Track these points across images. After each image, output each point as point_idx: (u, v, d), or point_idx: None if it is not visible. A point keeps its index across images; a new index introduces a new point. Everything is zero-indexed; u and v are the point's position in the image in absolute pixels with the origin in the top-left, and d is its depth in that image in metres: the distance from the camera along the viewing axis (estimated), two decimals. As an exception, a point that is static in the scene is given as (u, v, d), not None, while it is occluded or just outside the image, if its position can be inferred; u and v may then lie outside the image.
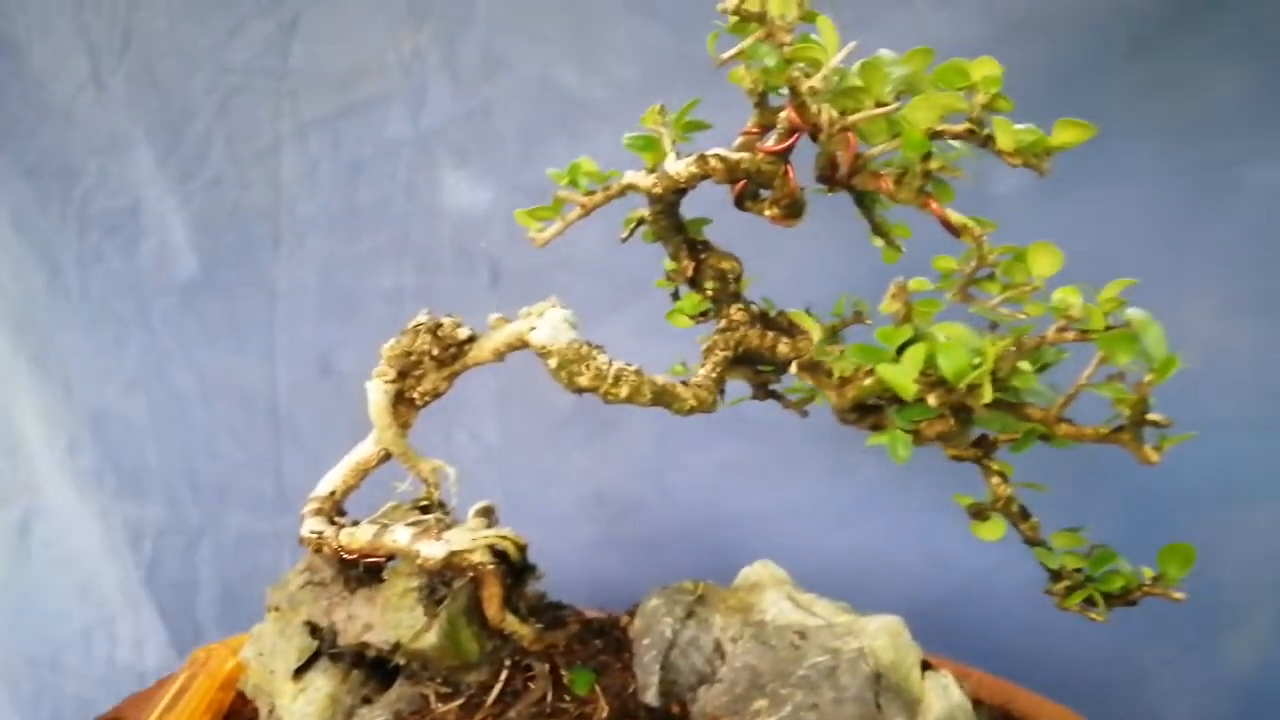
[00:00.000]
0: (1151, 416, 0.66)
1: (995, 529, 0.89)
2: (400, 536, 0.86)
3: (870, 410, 0.78)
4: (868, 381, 0.72)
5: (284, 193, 1.58)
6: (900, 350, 0.66)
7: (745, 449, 1.63)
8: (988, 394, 0.64)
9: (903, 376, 0.64)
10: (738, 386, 1.08)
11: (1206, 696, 1.40)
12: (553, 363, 0.80)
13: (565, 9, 1.47)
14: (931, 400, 0.66)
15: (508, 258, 1.54)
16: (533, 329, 0.82)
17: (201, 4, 1.53)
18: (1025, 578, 1.52)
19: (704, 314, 1.03)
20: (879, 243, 0.93)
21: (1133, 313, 0.68)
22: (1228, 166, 1.31)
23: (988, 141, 0.70)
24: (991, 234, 0.79)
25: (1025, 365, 0.66)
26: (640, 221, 1.00)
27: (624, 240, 1.03)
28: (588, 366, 0.79)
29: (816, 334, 0.80)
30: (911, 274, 0.94)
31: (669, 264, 1.03)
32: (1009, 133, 0.68)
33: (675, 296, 1.06)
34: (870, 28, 1.38)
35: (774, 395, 1.12)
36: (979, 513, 0.90)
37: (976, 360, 0.63)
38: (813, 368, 0.79)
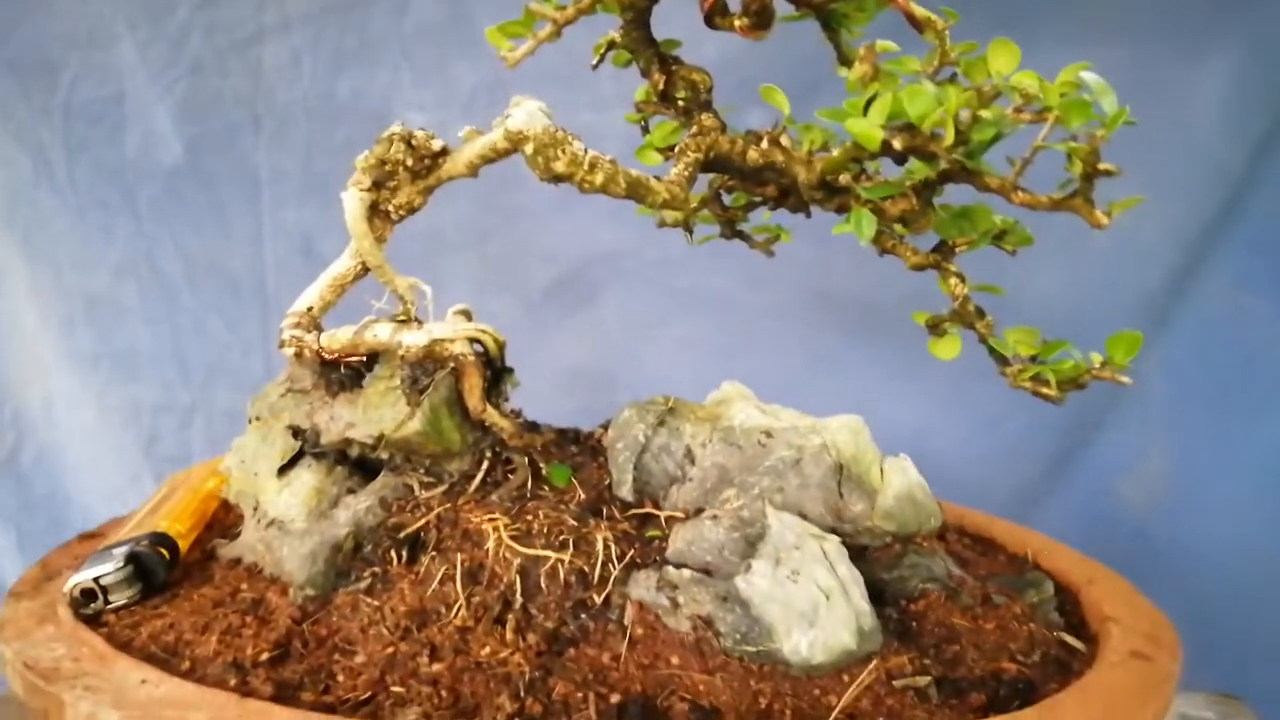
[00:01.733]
0: (1102, 166, 0.69)
1: (952, 346, 0.94)
2: (381, 332, 0.88)
3: (836, 191, 0.81)
4: (835, 153, 0.75)
5: (264, 81, 1.63)
6: (868, 104, 0.69)
7: (707, 326, 1.71)
8: (950, 135, 0.67)
9: (868, 127, 0.67)
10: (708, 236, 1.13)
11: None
12: (528, 149, 0.81)
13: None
14: (897, 144, 0.69)
15: None
16: (509, 116, 0.83)
17: None
18: (957, 439, 1.62)
19: (673, 148, 1.05)
20: (844, 72, 0.96)
21: (1089, 77, 0.71)
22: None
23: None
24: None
25: (985, 114, 0.69)
26: (611, 44, 1.01)
27: (594, 67, 1.04)
28: (563, 151, 0.81)
29: (785, 106, 0.82)
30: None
31: (640, 93, 1.05)
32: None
33: (645, 130, 1.08)
34: None
35: (741, 235, 1.15)
36: (935, 326, 0.94)
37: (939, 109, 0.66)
38: (781, 145, 0.82)
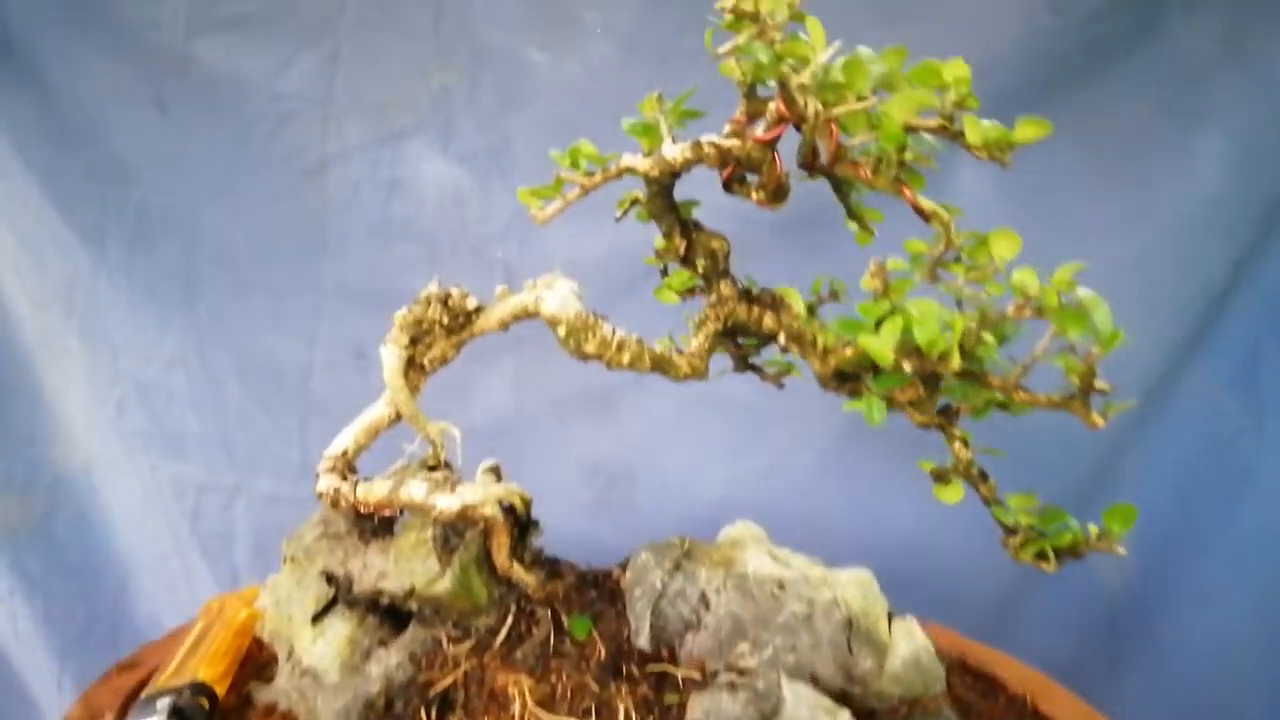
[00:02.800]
0: (1098, 384, 0.74)
1: (955, 492, 0.98)
2: (416, 491, 0.93)
3: (849, 378, 0.86)
4: (849, 352, 0.80)
5: (330, 206, 1.78)
6: (879, 322, 0.74)
7: (720, 426, 1.78)
8: (956, 361, 0.72)
9: (881, 346, 0.72)
10: (720, 361, 1.18)
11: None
12: (561, 330, 0.86)
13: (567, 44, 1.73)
14: (906, 366, 0.74)
15: (520, 267, 1.77)
16: (540, 299, 0.89)
17: (255, 36, 1.71)
18: (954, 534, 1.68)
19: (690, 290, 1.10)
20: (853, 226, 1.01)
21: (1084, 293, 0.76)
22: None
23: (958, 136, 0.78)
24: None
25: (988, 337, 0.74)
26: (634, 202, 1.07)
27: (618, 220, 1.10)
28: (593, 334, 0.86)
29: (800, 307, 0.87)
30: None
31: (659, 242, 1.11)
32: (977, 128, 0.76)
33: (664, 273, 1.14)
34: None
35: (754, 368, 1.20)
36: (941, 476, 0.98)
37: (947, 332, 0.71)
38: (799, 339, 0.87)
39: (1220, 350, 1.62)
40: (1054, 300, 0.80)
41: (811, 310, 1.12)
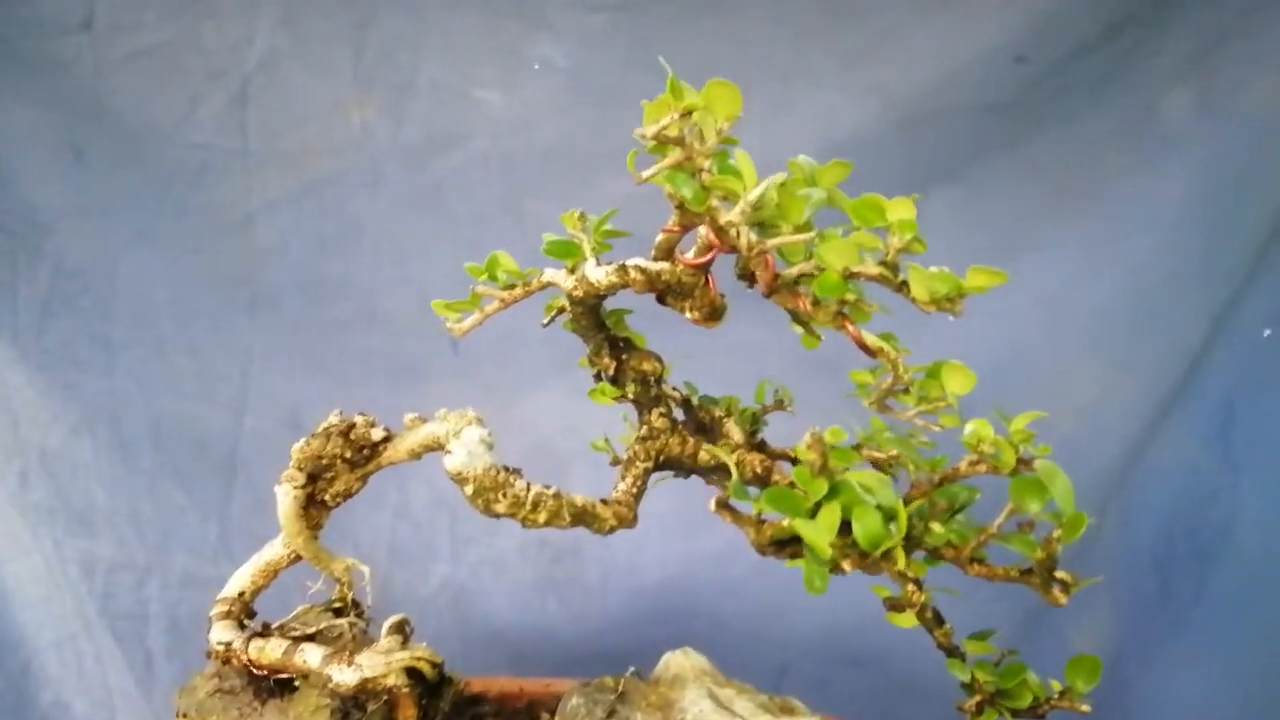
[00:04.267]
0: (1059, 575, 0.67)
1: (910, 619, 0.91)
2: (311, 658, 0.84)
3: (786, 542, 0.78)
4: (786, 523, 0.72)
5: (257, 261, 1.68)
6: (816, 506, 0.66)
7: (670, 500, 1.69)
8: (901, 562, 0.64)
9: (818, 538, 0.64)
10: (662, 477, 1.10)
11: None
12: (469, 489, 0.78)
13: (504, 79, 1.63)
14: (846, 567, 0.66)
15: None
16: (448, 453, 0.80)
17: (161, 74, 1.61)
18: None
19: (623, 396, 1.02)
20: (798, 329, 0.94)
21: (1041, 464, 0.69)
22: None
23: (902, 287, 0.70)
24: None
25: (938, 528, 0.67)
26: (561, 309, 0.99)
27: (544, 325, 1.01)
28: (504, 494, 0.78)
29: (734, 474, 0.80)
30: (830, 359, 0.98)
31: (590, 352, 1.02)
32: (923, 281, 0.68)
33: (598, 377, 1.05)
34: (777, 116, 1.52)
35: (695, 472, 1.12)
36: (895, 606, 0.91)
37: (891, 525, 0.63)
38: (729, 507, 0.79)
39: (1195, 407, 1.56)
40: (1010, 459, 0.73)
41: (755, 419, 1.04)
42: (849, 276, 0.71)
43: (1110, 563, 1.58)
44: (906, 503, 0.67)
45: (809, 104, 1.53)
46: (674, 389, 1.01)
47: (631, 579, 1.65)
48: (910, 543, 0.66)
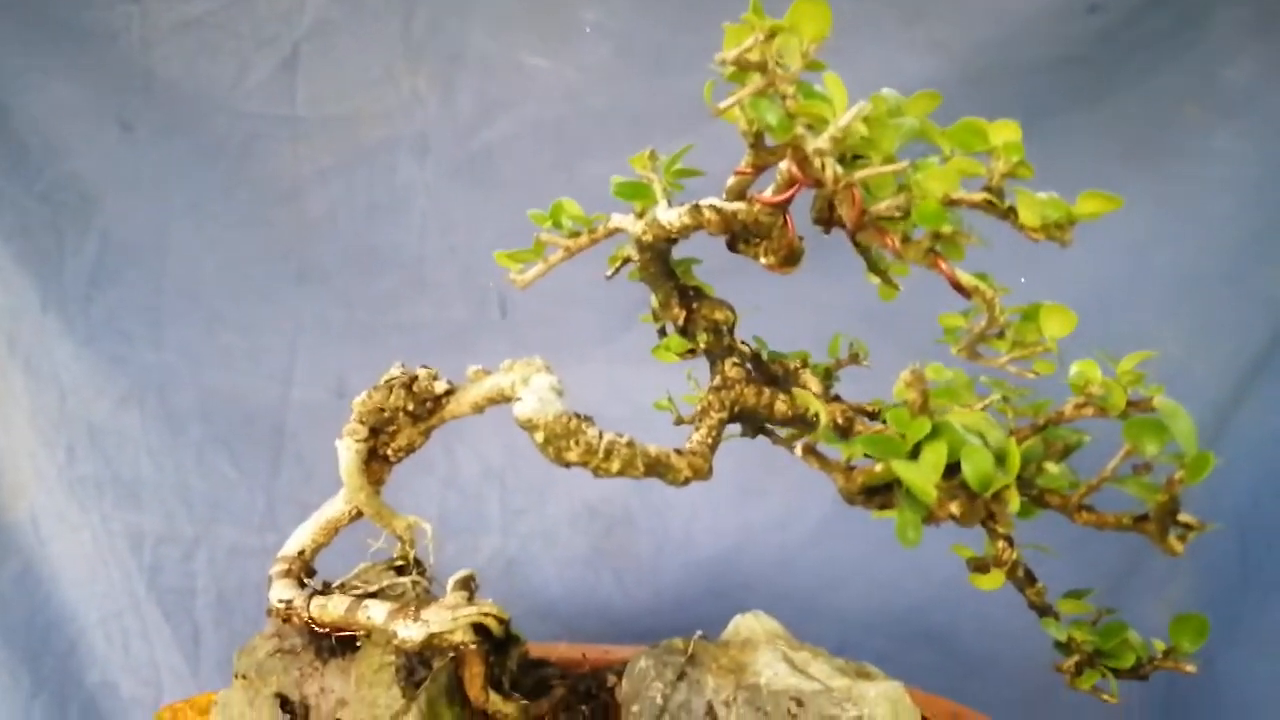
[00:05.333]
0: (1183, 518, 0.62)
1: (994, 580, 0.86)
2: (375, 614, 0.81)
3: (878, 490, 0.73)
4: (879, 468, 0.68)
5: (306, 232, 1.66)
6: (916, 446, 0.62)
7: (729, 463, 1.65)
8: (1015, 503, 0.60)
9: (922, 480, 0.60)
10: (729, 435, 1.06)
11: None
12: (539, 437, 0.74)
13: (554, 45, 1.59)
14: (954, 509, 0.62)
15: (516, 293, 1.60)
16: (514, 397, 0.77)
17: (210, 43, 1.59)
18: (987, 596, 1.57)
19: (691, 351, 0.98)
20: (874, 279, 0.89)
21: (1161, 401, 0.64)
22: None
23: (1008, 213, 0.65)
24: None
25: (1052, 468, 0.62)
26: (626, 260, 0.95)
27: (609, 278, 0.98)
28: (577, 441, 0.74)
29: (823, 417, 0.75)
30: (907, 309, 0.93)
31: (655, 303, 0.98)
32: (1033, 206, 0.63)
33: (662, 333, 1.01)
34: (836, 68, 1.46)
35: (764, 432, 1.08)
36: (980, 566, 0.87)
37: (1000, 469, 0.59)
38: (814, 453, 0.74)
39: None
40: (1120, 400, 0.68)
41: (829, 374, 1.00)
42: (949, 204, 0.66)
43: (1194, 541, 1.51)
44: (1017, 442, 0.62)
45: (870, 57, 1.47)
46: (743, 343, 0.97)
47: (686, 551, 1.61)
48: (1021, 485, 0.61)
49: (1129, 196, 1.54)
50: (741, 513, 1.61)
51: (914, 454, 0.62)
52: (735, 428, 1.07)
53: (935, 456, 0.59)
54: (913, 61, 1.49)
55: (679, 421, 1.07)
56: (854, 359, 1.00)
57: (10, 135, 1.59)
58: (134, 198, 1.64)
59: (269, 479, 1.67)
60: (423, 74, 1.62)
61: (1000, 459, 0.60)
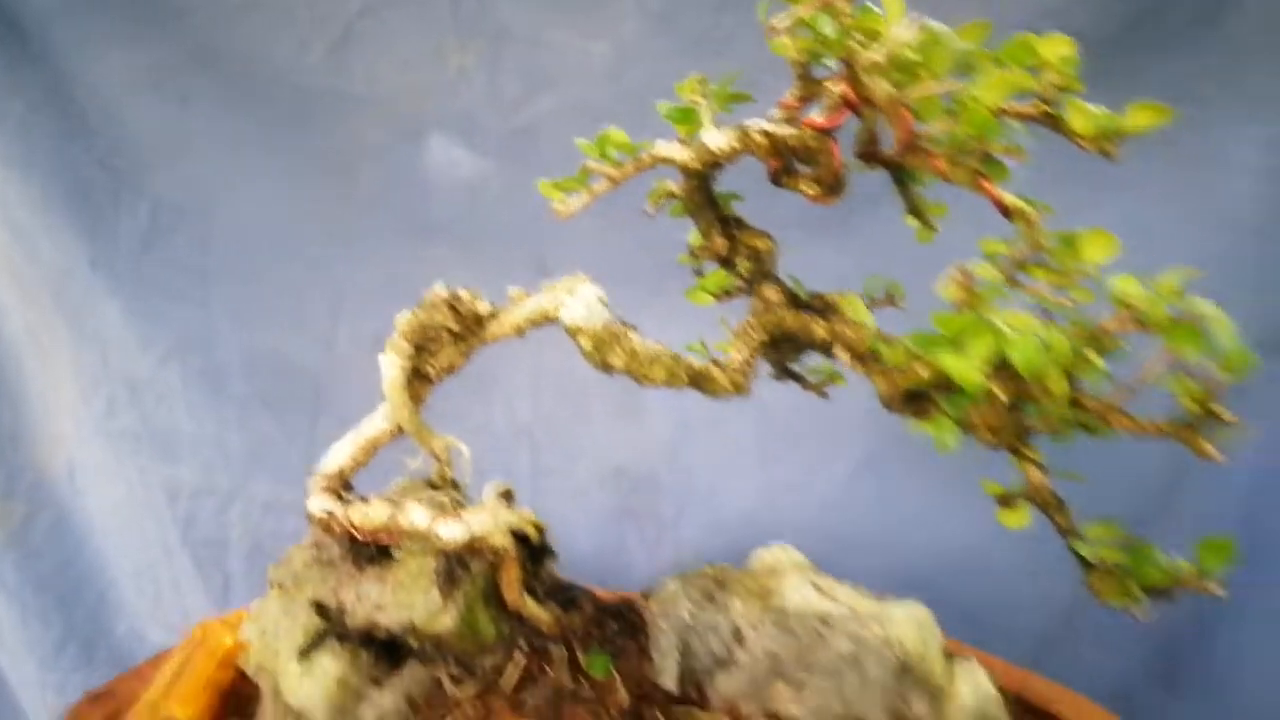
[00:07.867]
0: (1219, 411, 0.62)
1: (1020, 517, 0.87)
2: (417, 517, 0.82)
3: (916, 398, 0.74)
4: (923, 371, 0.68)
5: (353, 203, 1.66)
6: (962, 339, 0.62)
7: (752, 430, 1.66)
8: (1061, 386, 0.61)
9: (968, 368, 0.60)
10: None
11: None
12: (585, 342, 0.75)
13: (597, 24, 1.60)
14: (1000, 393, 0.62)
15: (555, 262, 1.62)
16: (562, 305, 0.77)
17: (269, 21, 1.60)
18: (1007, 551, 1.57)
19: (726, 292, 0.99)
20: (914, 223, 0.90)
21: (1202, 305, 0.65)
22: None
23: (1059, 123, 0.66)
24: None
25: (1093, 356, 0.63)
26: (669, 195, 0.96)
27: (651, 214, 0.98)
28: (622, 347, 0.75)
29: (864, 316, 0.76)
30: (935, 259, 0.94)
31: (694, 239, 0.99)
32: (1085, 115, 0.64)
33: (698, 274, 1.02)
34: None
35: (793, 376, 1.09)
36: (1007, 500, 0.87)
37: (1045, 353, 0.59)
38: (858, 354, 0.75)
39: None
40: (1161, 312, 0.69)
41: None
42: (999, 114, 0.67)
43: (1200, 511, 1.51)
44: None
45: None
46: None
47: (709, 512, 1.62)
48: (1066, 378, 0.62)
49: (1145, 179, 1.52)
50: (762, 476, 1.62)
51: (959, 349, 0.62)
52: (764, 369, 1.08)
53: (982, 346, 0.60)
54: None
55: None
56: (890, 300, 1.00)
57: (72, 101, 1.60)
58: (188, 166, 1.65)
59: (307, 436, 1.67)
60: (470, 52, 1.63)
61: (1046, 348, 0.60)
